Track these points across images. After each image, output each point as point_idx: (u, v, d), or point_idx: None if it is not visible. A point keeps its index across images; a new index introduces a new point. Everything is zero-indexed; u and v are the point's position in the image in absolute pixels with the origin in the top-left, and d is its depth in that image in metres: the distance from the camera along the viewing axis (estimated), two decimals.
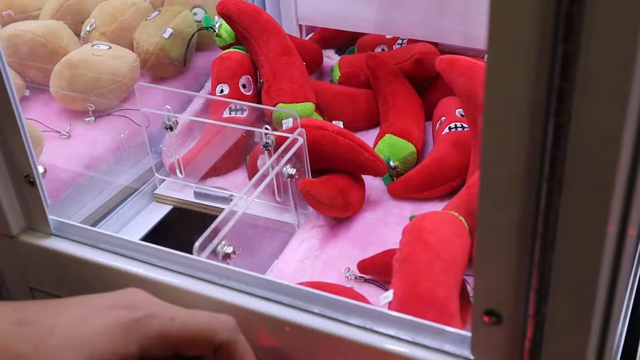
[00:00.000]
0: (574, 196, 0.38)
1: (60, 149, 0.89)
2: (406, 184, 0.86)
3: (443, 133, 0.88)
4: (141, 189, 0.93)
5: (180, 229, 0.92)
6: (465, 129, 0.86)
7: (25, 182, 0.61)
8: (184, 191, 0.92)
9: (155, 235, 0.89)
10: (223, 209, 0.68)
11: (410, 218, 0.69)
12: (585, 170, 0.37)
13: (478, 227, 0.42)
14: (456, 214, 0.68)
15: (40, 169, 0.61)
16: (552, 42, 0.35)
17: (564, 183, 0.38)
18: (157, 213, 0.91)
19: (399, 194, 0.86)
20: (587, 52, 0.34)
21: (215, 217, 0.67)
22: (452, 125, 0.87)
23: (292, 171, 0.78)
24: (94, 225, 0.86)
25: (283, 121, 0.85)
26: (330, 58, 1.13)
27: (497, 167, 0.39)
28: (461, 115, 0.89)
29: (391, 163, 0.87)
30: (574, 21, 0.34)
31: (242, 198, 0.71)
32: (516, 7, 0.34)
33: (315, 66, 1.08)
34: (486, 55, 0.37)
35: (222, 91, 0.94)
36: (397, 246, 0.68)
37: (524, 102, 0.37)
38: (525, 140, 0.38)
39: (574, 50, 0.34)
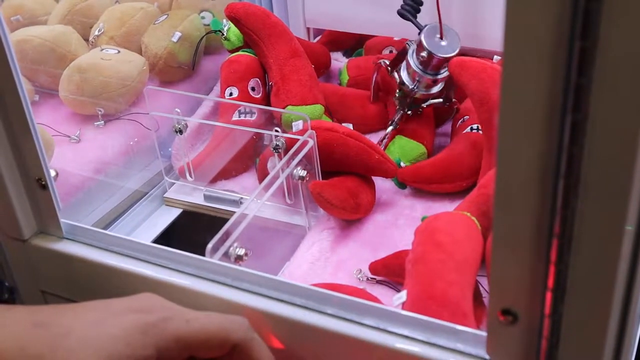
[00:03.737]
0: (591, 194, 0.38)
1: (70, 153, 0.89)
2: (417, 172, 0.85)
3: (464, 132, 0.87)
4: (151, 192, 0.93)
5: (190, 232, 0.92)
6: None
7: (37, 185, 0.61)
8: (193, 194, 0.92)
9: (166, 238, 0.89)
10: (233, 212, 0.68)
11: (423, 219, 0.68)
12: (602, 168, 0.37)
13: (494, 225, 0.42)
14: (468, 214, 0.67)
15: (52, 173, 0.61)
16: (569, 38, 0.35)
17: (581, 181, 0.38)
18: (167, 216, 0.91)
19: (407, 180, 0.86)
20: (604, 48, 0.34)
21: (225, 220, 0.67)
22: (475, 126, 0.87)
23: (303, 173, 0.78)
24: (104, 229, 0.86)
25: (293, 123, 0.85)
26: (338, 60, 1.13)
27: (513, 164, 0.39)
28: None
29: (402, 164, 0.87)
30: (591, 17, 0.33)
31: (253, 201, 0.71)
32: (533, 3, 0.34)
33: (323, 69, 1.08)
34: (495, 57, 0.37)
35: (231, 94, 0.94)
36: (408, 247, 0.67)
37: (541, 99, 0.36)
38: (542, 137, 0.38)
39: (591, 47, 0.34)
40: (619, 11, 0.33)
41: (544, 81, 0.36)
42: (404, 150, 0.88)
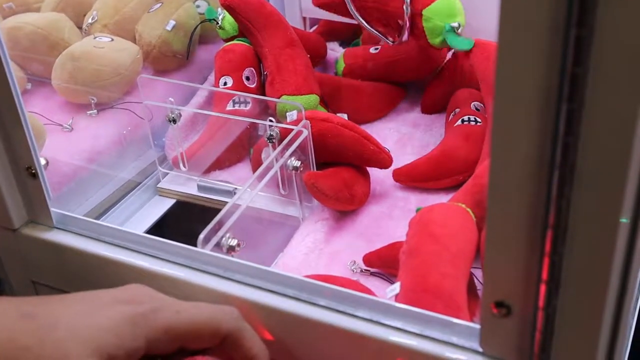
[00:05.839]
0: (586, 184, 0.37)
1: (63, 142, 0.88)
2: (411, 171, 0.85)
3: (455, 125, 0.87)
4: (144, 182, 0.92)
5: (184, 223, 0.91)
6: (479, 124, 0.85)
7: (27, 174, 0.60)
8: (187, 184, 0.91)
9: (159, 229, 0.88)
10: (227, 202, 0.67)
11: (417, 210, 0.68)
12: (598, 158, 0.36)
13: (488, 217, 0.41)
14: (463, 205, 0.67)
15: (42, 161, 0.61)
16: (565, 26, 0.34)
17: (576, 171, 0.37)
18: (160, 207, 0.90)
19: (403, 180, 0.85)
20: (601, 36, 0.33)
21: (219, 210, 0.66)
22: (466, 118, 0.86)
23: (297, 164, 0.77)
24: (97, 219, 0.85)
25: (287, 113, 0.85)
26: (334, 51, 1.12)
27: (508, 154, 0.39)
28: (476, 109, 0.88)
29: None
30: (588, 4, 0.33)
31: (246, 191, 0.70)
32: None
33: (319, 59, 1.07)
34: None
35: (225, 84, 0.93)
36: (402, 239, 0.67)
37: (536, 88, 0.36)
38: (537, 127, 0.37)
39: (587, 35, 0.33)
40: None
41: (539, 70, 0.35)
42: None
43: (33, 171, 0.60)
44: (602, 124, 0.35)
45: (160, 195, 0.92)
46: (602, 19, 0.33)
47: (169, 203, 0.91)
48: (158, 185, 0.92)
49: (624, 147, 0.35)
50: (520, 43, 0.35)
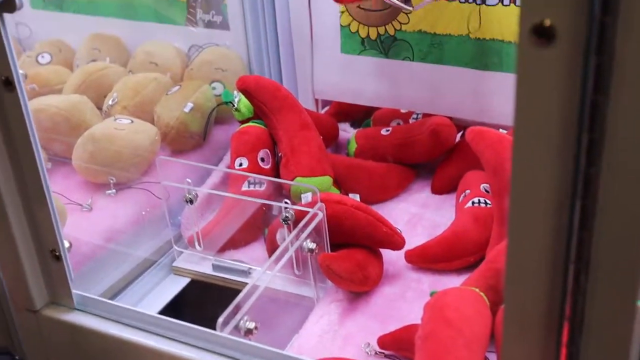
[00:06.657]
0: (601, 277, 0.38)
1: (82, 222, 0.90)
2: (423, 253, 0.86)
3: (466, 207, 0.88)
4: (160, 261, 0.93)
5: (199, 302, 0.91)
6: (489, 206, 0.87)
7: (51, 256, 0.62)
8: (202, 264, 0.92)
9: (174, 308, 0.88)
10: (241, 282, 0.68)
11: (432, 294, 0.69)
12: (612, 251, 0.37)
13: (505, 307, 0.42)
14: (477, 289, 0.68)
15: (66, 244, 0.62)
16: (577, 127, 0.36)
17: (590, 264, 0.38)
18: (175, 286, 0.91)
19: (415, 262, 0.86)
20: (612, 140, 0.35)
21: (233, 290, 0.67)
22: (476, 200, 0.88)
23: (312, 246, 0.78)
24: (112, 297, 0.86)
25: (302, 195, 0.86)
26: (346, 131, 1.14)
27: (524, 249, 0.40)
28: (486, 191, 0.90)
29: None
30: (599, 109, 0.35)
31: (264, 273, 0.71)
32: (542, 98, 0.36)
33: (331, 139, 1.09)
34: (500, 129, 0.38)
35: (241, 164, 0.95)
36: (416, 321, 0.67)
37: (551, 186, 0.37)
38: (553, 223, 0.38)
39: (599, 138, 0.35)
40: (624, 105, 0.34)
41: (554, 170, 0.37)
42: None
43: (57, 254, 0.61)
44: (615, 219, 0.37)
45: (175, 274, 0.93)
46: (612, 125, 0.35)
47: (183, 282, 0.91)
48: (173, 264, 0.93)
49: (637, 241, 0.37)
50: (534, 144, 0.37)
